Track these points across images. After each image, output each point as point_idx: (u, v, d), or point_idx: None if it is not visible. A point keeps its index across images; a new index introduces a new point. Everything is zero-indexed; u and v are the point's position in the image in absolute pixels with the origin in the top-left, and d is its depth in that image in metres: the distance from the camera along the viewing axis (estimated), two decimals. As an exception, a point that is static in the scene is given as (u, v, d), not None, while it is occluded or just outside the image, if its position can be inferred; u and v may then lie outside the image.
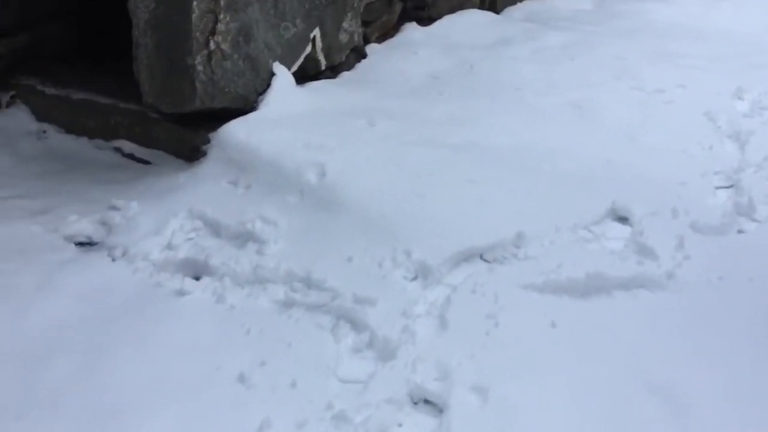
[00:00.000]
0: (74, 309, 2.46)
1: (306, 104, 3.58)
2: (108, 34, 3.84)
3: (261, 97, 3.48)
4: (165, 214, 2.94)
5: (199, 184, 3.12)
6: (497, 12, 5.67)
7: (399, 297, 2.46)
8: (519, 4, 5.99)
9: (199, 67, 3.12)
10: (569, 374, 2.15)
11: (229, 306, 2.46)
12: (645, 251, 2.61)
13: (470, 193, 2.91)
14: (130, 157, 3.51)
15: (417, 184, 2.94)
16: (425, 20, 5.02)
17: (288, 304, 2.47)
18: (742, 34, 5.18)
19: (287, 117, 3.39)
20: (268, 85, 3.51)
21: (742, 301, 2.37)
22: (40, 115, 3.77)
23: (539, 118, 3.65)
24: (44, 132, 3.73)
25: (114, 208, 3.02)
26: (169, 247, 2.79)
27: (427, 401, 2.11)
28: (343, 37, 4.15)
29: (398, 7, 4.86)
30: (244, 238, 2.80)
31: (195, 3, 3.03)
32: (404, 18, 4.95)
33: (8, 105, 3.86)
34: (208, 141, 3.26)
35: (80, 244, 2.87)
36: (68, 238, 2.88)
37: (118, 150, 3.55)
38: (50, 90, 3.76)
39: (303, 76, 3.89)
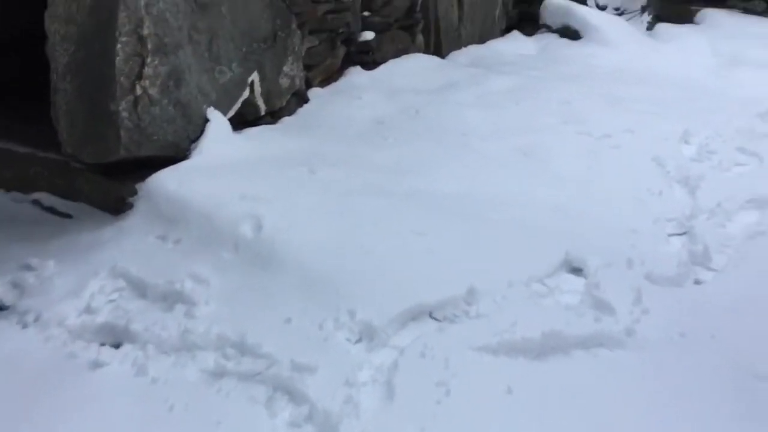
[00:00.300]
0: (-27, 386, 2.17)
1: (243, 151, 3.39)
2: (29, 76, 3.58)
3: (194, 145, 3.27)
4: (85, 273, 2.69)
5: (124, 239, 2.87)
6: (442, 56, 5.64)
7: (341, 362, 2.25)
8: (464, 49, 5.99)
9: (124, 114, 2.90)
10: (528, 446, 1.96)
11: (150, 379, 2.20)
12: (602, 306, 2.47)
13: (417, 245, 2.74)
14: (51, 210, 3.24)
15: (361, 237, 2.76)
16: (370, 64, 4.93)
17: (218, 375, 2.23)
18: (685, 78, 5.26)
19: (222, 165, 3.19)
20: (202, 131, 3.31)
21: (705, 360, 2.24)
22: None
23: (486, 164, 3.54)
24: (-46, 184, 3.43)
25: (28, 267, 2.77)
26: (88, 310, 2.53)
27: (372, 483, 1.89)
28: (284, 82, 4.00)
29: (341, 51, 4.75)
30: (172, 299, 2.56)
31: (119, 46, 2.83)
32: (348, 62, 4.85)
33: None
34: (135, 192, 3.03)
35: (-12, 308, 2.59)
36: (-26, 303, 2.59)
37: (37, 203, 3.29)
38: (-39, 138, 3.47)
39: (241, 122, 3.71)
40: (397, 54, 5.17)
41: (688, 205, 3.27)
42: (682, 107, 4.47)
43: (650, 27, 7.10)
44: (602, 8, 8.83)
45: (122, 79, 2.86)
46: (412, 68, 5.04)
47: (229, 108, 3.56)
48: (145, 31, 2.93)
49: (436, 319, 2.45)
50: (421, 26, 5.51)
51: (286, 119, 4.03)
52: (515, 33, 6.71)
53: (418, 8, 5.42)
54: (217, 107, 3.42)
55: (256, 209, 2.85)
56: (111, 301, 2.59)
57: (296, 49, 4.06)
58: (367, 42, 4.87)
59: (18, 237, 3.01)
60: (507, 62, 5.65)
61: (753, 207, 3.25)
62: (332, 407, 2.07)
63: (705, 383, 2.17)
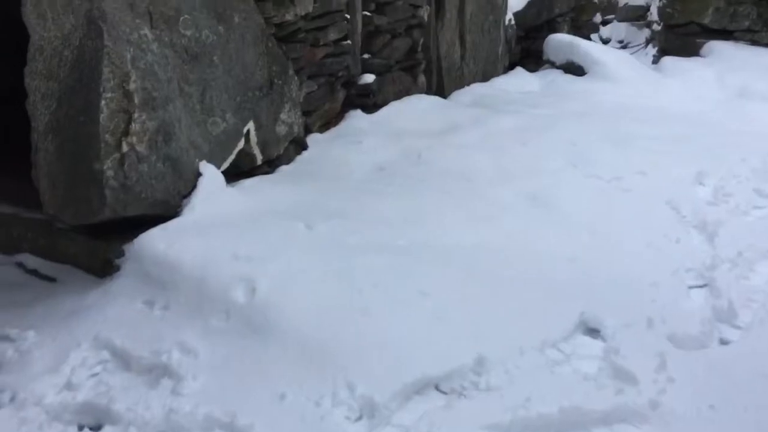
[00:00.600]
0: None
1: (237, 206, 3.22)
2: (15, 131, 3.45)
3: (185, 201, 3.12)
4: (66, 344, 2.53)
5: (109, 305, 2.71)
6: (444, 96, 5.52)
7: (340, 445, 2.06)
8: (467, 88, 5.88)
9: (109, 173, 2.74)
10: None
11: (130, 471, 2.01)
12: (623, 375, 2.27)
13: (422, 308, 2.56)
14: (34, 273, 3.09)
15: (361, 300, 2.57)
16: (371, 107, 4.80)
17: (205, 462, 2.04)
18: (693, 113, 5.10)
19: (214, 222, 3.02)
20: (194, 186, 3.16)
21: (740, 437, 2.04)
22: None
23: (493, 212, 3.36)
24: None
25: (6, 338, 2.62)
26: (68, 386, 2.37)
27: None
28: (281, 129, 3.85)
29: (341, 95, 4.62)
30: (157, 372, 2.39)
31: (103, 102, 2.68)
32: (348, 105, 4.72)
33: None
34: (122, 254, 2.87)
35: (-39, 387, 2.41)
36: (-54, 381, 2.42)
37: (20, 265, 3.14)
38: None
39: (236, 173, 3.57)
40: (399, 95, 5.04)
41: (708, 253, 3.08)
42: (693, 145, 4.30)
43: (656, 60, 6.98)
44: (606, 41, 8.77)
45: (107, 136, 2.72)
46: (414, 110, 4.91)
47: (224, 160, 3.42)
48: (132, 86, 2.79)
49: (442, 392, 2.27)
50: (422, 66, 5.39)
51: (283, 168, 3.89)
52: (519, 69, 6.61)
53: (419, 48, 5.32)
54: (210, 160, 3.28)
55: (249, 271, 2.67)
56: (93, 375, 2.43)
57: (294, 95, 3.92)
58: (367, 84, 4.74)
59: (-1, 303, 2.85)
60: (511, 101, 5.52)
61: (776, 255, 3.06)
62: (330, 501, 1.88)
63: (741, 465, 1.97)
